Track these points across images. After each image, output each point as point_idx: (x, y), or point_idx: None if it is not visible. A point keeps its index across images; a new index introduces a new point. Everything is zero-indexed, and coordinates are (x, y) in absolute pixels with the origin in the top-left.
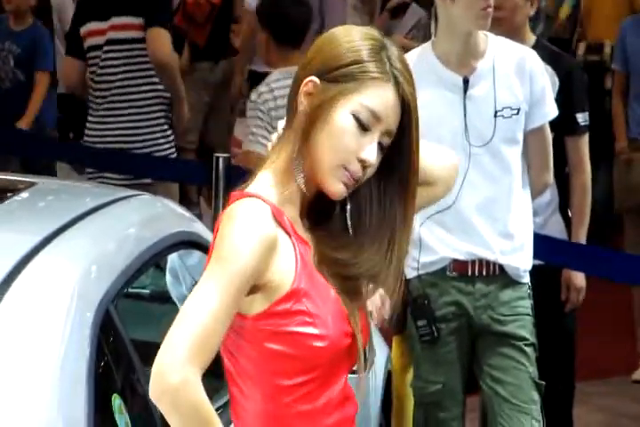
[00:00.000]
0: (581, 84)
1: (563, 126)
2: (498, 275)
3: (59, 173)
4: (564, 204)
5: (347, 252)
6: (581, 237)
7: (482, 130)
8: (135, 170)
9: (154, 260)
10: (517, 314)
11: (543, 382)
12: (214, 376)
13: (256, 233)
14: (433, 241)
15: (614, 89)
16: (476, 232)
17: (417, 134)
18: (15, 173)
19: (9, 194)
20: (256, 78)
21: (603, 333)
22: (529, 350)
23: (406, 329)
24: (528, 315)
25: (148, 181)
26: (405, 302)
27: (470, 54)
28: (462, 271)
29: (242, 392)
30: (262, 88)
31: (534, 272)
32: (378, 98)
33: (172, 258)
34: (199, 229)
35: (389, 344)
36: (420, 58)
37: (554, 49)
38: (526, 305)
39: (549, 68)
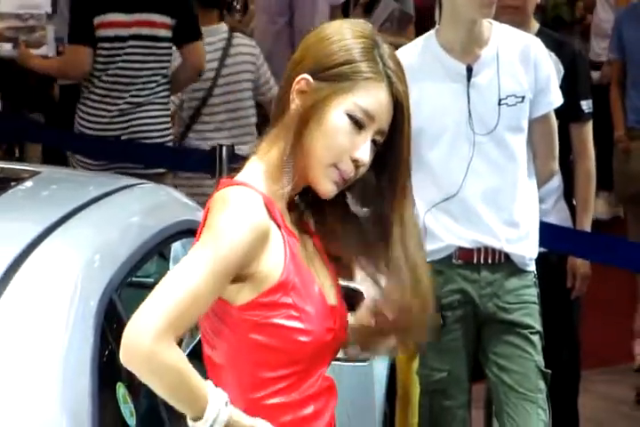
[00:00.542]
0: (585, 71)
1: (567, 113)
2: (503, 263)
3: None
4: (569, 191)
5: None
6: (586, 224)
7: (486, 118)
8: (146, 160)
9: (157, 249)
10: (523, 302)
11: (549, 371)
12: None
13: (249, 220)
14: (438, 229)
15: (612, 78)
16: (481, 221)
17: (409, 132)
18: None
19: (13, 183)
20: None
21: (607, 321)
22: (535, 338)
23: None
24: (534, 303)
25: (161, 170)
26: None
27: (474, 42)
28: (468, 259)
29: (220, 381)
30: None
31: (539, 261)
32: (371, 98)
33: (176, 247)
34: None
35: None
36: (424, 47)
37: (557, 36)
38: (532, 293)
39: (553, 56)
